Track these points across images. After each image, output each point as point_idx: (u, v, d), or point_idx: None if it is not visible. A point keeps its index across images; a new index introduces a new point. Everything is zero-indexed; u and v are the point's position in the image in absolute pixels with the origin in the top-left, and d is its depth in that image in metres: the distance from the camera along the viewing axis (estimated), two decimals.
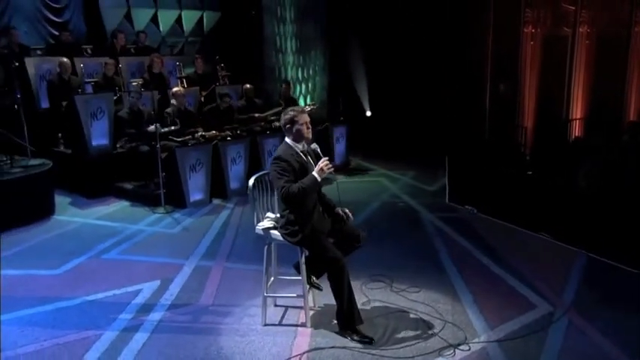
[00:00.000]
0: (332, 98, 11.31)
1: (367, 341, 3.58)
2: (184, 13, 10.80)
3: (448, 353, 3.47)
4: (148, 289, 4.47)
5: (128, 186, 7.24)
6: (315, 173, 3.55)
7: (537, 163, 6.94)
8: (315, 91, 11.78)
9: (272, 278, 4.05)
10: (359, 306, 3.74)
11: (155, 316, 4.01)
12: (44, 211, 6.35)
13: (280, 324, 3.90)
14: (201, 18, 11.09)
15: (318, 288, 3.82)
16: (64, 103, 7.42)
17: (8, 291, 4.37)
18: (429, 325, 3.82)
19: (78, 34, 9.38)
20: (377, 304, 4.16)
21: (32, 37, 8.87)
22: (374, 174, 8.73)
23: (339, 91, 10.97)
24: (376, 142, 10.25)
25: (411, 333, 3.72)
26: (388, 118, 10.50)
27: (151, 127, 6.67)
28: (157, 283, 4.58)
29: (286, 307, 4.10)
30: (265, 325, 3.84)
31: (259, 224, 3.84)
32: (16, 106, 6.91)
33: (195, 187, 6.86)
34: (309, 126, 3.71)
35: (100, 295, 4.35)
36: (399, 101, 10.35)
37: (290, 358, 3.46)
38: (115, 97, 7.62)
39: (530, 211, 5.76)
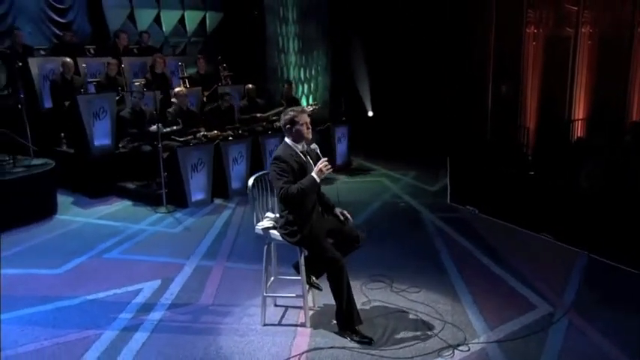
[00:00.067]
0: (334, 98, 11.33)
1: (366, 341, 3.58)
2: (187, 14, 10.82)
3: (447, 354, 3.47)
4: (148, 288, 4.48)
5: (130, 186, 7.27)
6: (314, 174, 3.55)
7: (539, 163, 6.94)
8: (318, 91, 11.79)
9: (272, 278, 4.06)
10: (359, 306, 3.74)
11: (155, 315, 4.02)
12: (46, 210, 6.38)
13: (280, 324, 3.90)
14: (204, 18, 11.11)
15: (318, 288, 3.82)
16: (67, 103, 7.44)
17: (9, 290, 4.39)
18: (428, 326, 3.82)
19: (82, 35, 9.41)
20: (377, 304, 4.16)
21: (36, 37, 8.90)
22: (375, 174, 8.72)
23: (341, 91, 10.97)
24: (378, 142, 10.25)
25: (410, 333, 3.72)
26: (390, 118, 10.50)
27: (153, 127, 6.70)
28: (158, 282, 4.59)
29: (286, 307, 4.11)
30: (265, 325, 3.85)
31: (259, 224, 3.84)
32: (19, 106, 6.93)
33: (197, 186, 6.88)
34: (309, 126, 3.71)
35: (100, 295, 4.37)
36: (401, 101, 10.35)
37: (289, 358, 3.46)
38: (117, 97, 7.65)
39: (532, 212, 5.75)
